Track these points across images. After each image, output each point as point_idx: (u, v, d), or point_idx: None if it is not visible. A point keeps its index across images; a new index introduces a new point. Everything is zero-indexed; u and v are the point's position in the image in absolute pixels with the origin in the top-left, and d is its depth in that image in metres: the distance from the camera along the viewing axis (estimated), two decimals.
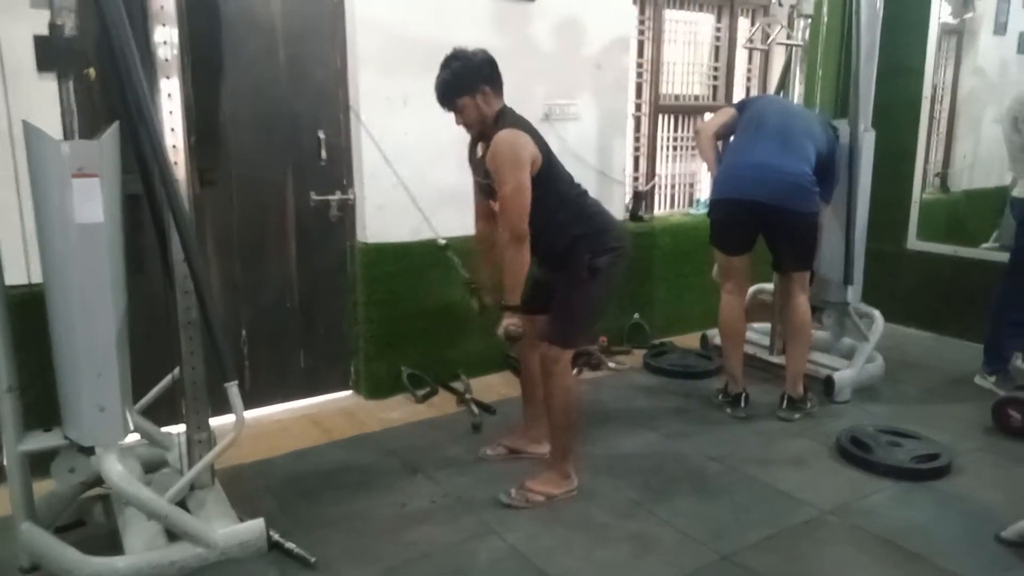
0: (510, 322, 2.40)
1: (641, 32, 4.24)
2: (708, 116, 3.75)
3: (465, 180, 2.70)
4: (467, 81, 2.38)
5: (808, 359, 3.61)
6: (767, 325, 3.88)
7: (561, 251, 2.47)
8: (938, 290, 4.47)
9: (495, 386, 3.63)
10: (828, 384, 3.44)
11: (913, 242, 4.60)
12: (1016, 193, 3.45)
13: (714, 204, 3.17)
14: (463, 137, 2.58)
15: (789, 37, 3.72)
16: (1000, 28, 5.04)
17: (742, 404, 3.29)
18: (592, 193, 2.61)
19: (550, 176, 2.43)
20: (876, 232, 3.89)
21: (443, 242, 3.26)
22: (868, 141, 3.53)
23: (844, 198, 3.47)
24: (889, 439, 2.92)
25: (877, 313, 3.66)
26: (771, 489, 2.65)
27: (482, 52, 2.43)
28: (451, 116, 2.48)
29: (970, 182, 5.27)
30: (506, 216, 2.36)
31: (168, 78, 2.07)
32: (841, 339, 3.79)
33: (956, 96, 5.21)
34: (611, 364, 3.93)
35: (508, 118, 2.41)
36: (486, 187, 2.47)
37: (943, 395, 3.57)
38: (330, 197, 3.32)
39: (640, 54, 4.27)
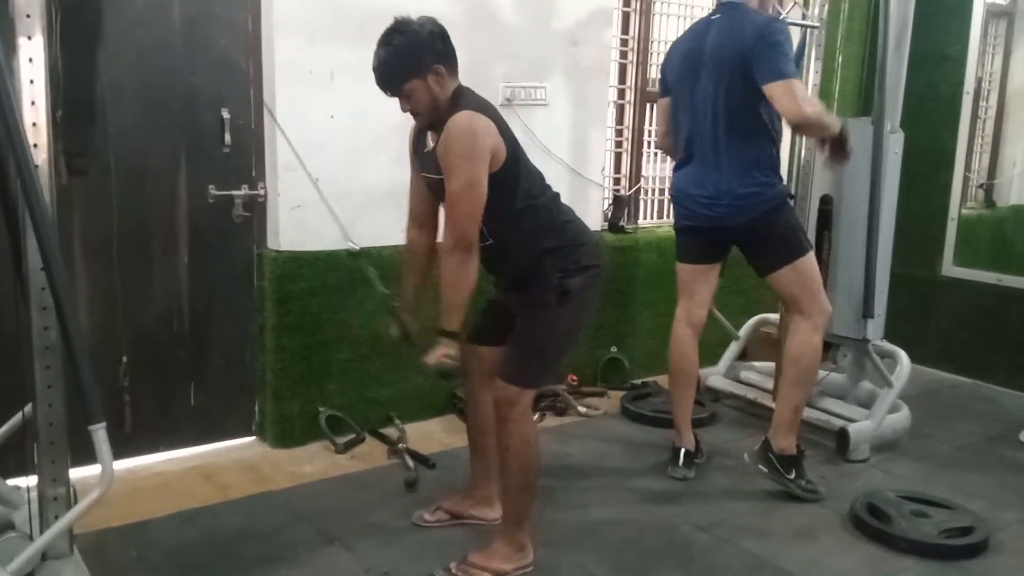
0: (444, 353, 2.40)
1: (627, 3, 4.34)
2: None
3: (406, 175, 2.71)
4: (414, 60, 2.38)
5: (816, 408, 3.71)
6: (771, 364, 3.96)
7: (525, 268, 2.51)
8: (979, 326, 4.61)
9: (436, 434, 3.64)
10: (842, 438, 3.52)
11: (949, 268, 4.74)
12: None
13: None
14: (406, 122, 2.60)
15: (804, 17, 3.84)
16: None
17: (679, 461, 3.31)
18: (563, 197, 2.65)
19: (516, 173, 2.46)
20: (904, 255, 4.01)
21: (356, 248, 3.21)
22: (895, 144, 3.65)
23: (864, 214, 3.59)
24: (914, 508, 2.98)
25: (902, 353, 3.75)
26: (771, 567, 2.70)
27: (430, 22, 2.43)
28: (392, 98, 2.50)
29: (1021, 195, 5.44)
30: (453, 218, 2.38)
31: (29, 38, 2.05)
32: (859, 383, 3.88)
33: (1005, 91, 5.38)
34: (581, 409, 3.97)
35: (467, 100, 2.42)
36: (437, 184, 2.47)
37: (981, 455, 3.68)
38: (234, 192, 3.31)
39: (625, 30, 4.37)
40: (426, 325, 2.53)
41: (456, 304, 2.39)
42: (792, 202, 3.22)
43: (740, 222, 3.10)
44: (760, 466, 3.19)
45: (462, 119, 2.35)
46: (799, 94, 2.89)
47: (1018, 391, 4.17)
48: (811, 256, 3.19)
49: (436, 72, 2.39)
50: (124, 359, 3.19)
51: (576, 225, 2.59)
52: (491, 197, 2.38)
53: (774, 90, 2.87)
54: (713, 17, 3.11)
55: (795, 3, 3.71)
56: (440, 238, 2.49)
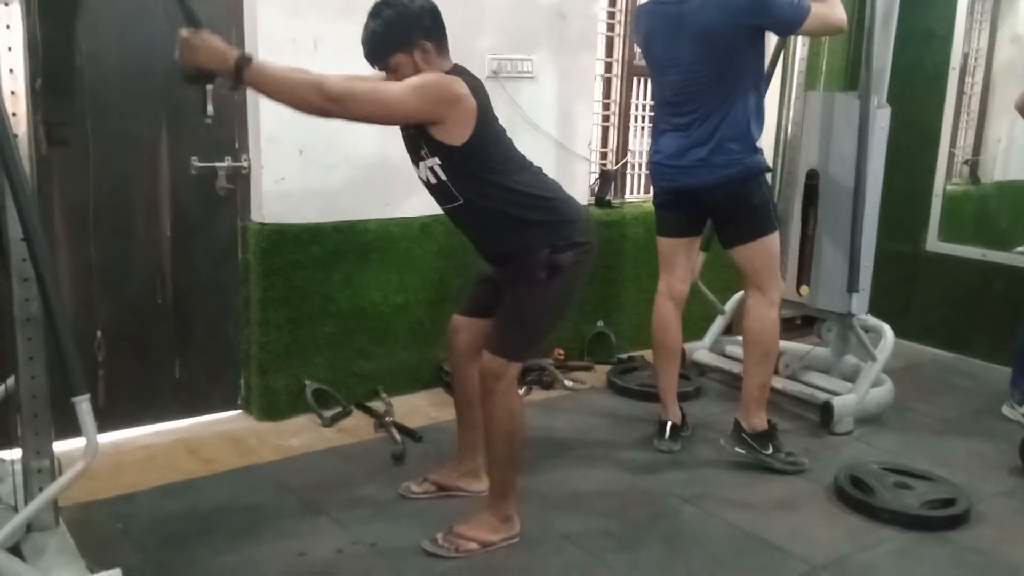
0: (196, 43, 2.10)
1: None
2: None
3: (392, 147, 2.70)
4: (402, 33, 2.38)
5: (800, 381, 3.75)
6: None
7: (515, 245, 2.50)
8: (962, 301, 4.65)
9: (422, 407, 3.65)
10: (826, 411, 3.54)
11: (933, 243, 4.77)
12: None
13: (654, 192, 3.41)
14: None
15: None
16: None
17: (665, 435, 3.33)
18: (550, 171, 2.64)
19: (484, 144, 2.43)
20: (889, 230, 4.03)
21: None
22: (882, 119, 3.65)
23: (849, 189, 3.59)
24: (896, 480, 3.01)
25: (887, 327, 3.78)
26: (754, 538, 2.72)
27: None
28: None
29: (1005, 172, 5.46)
30: (363, 93, 2.27)
31: (6, 4, 2.02)
32: (843, 357, 3.91)
33: (991, 68, 5.39)
34: (567, 382, 3.99)
35: (458, 72, 2.43)
36: (410, 139, 2.48)
37: (963, 428, 3.71)
38: (217, 164, 3.29)
39: (612, 2, 4.34)
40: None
41: (278, 83, 2.20)
42: (768, 176, 3.22)
43: (717, 186, 3.08)
44: (737, 448, 3.22)
45: (442, 76, 2.38)
46: (826, 20, 2.97)
47: (1000, 365, 4.20)
48: (776, 234, 3.21)
49: (423, 48, 2.39)
50: (99, 333, 3.17)
51: (566, 202, 2.58)
52: (460, 159, 2.40)
53: (810, 28, 3.01)
54: None
55: None
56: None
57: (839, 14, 3.01)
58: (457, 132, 2.36)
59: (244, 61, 2.12)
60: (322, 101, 2.20)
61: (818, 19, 2.96)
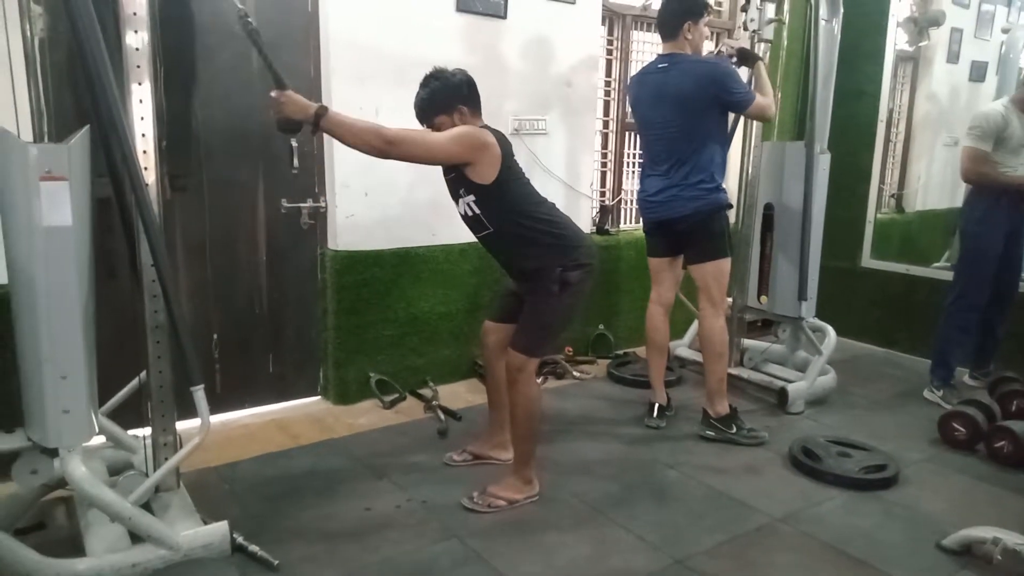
0: (284, 100, 2.14)
1: (609, 52, 4.31)
2: None
3: (437, 190, 2.71)
4: (445, 101, 2.41)
5: (761, 372, 3.71)
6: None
7: (533, 264, 2.50)
8: (890, 307, 4.59)
9: (462, 393, 3.64)
10: (782, 395, 3.51)
11: (867, 260, 4.72)
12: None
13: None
14: None
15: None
16: (953, 57, 5.22)
17: (654, 414, 3.31)
18: (560, 206, 2.64)
19: (507, 182, 2.43)
20: (831, 250, 3.98)
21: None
22: (823, 163, 3.62)
23: (799, 218, 3.57)
24: (839, 450, 2.98)
25: (830, 328, 3.73)
26: (725, 496, 2.70)
27: (461, 72, 2.46)
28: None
29: (924, 203, 5.42)
30: (412, 142, 2.25)
31: (139, 84, 2.06)
32: (796, 352, 3.87)
33: (912, 120, 5.35)
34: (576, 373, 3.97)
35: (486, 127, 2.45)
36: (451, 182, 2.49)
37: (892, 408, 3.66)
38: (301, 205, 3.32)
39: (608, 73, 4.34)
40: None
41: (347, 129, 2.18)
42: (730, 210, 3.21)
43: (687, 215, 3.08)
44: (708, 432, 3.19)
45: (474, 128, 2.39)
46: (763, 110, 3.09)
47: (922, 358, 4.13)
48: (728, 260, 3.18)
49: (460, 112, 2.42)
50: (215, 336, 3.21)
51: (573, 231, 2.57)
52: (489, 195, 2.40)
53: (751, 113, 3.11)
54: (660, 66, 3.09)
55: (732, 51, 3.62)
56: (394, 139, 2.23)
57: (772, 108, 3.14)
58: (486, 173, 2.38)
59: (322, 111, 2.16)
60: (381, 144, 2.20)
61: (758, 108, 3.06)
